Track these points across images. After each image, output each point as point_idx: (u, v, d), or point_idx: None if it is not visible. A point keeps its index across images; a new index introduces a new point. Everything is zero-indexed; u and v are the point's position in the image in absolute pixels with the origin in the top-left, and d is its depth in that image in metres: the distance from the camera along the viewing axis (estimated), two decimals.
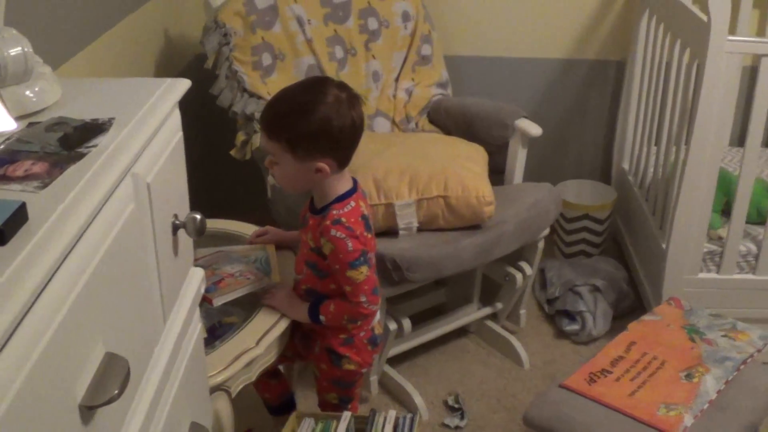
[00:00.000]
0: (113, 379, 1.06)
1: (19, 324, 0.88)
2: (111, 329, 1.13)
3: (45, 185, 1.09)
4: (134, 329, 1.25)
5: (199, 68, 3.33)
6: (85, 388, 1.03)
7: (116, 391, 1.04)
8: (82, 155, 1.19)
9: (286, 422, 2.33)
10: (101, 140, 1.24)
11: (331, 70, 3.35)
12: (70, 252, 1.01)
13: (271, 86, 3.19)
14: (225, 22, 3.16)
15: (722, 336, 2.63)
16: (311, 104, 2.16)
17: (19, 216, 0.98)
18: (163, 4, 3.42)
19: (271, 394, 2.78)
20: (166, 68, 3.42)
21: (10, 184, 1.10)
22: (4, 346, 0.85)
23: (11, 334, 0.86)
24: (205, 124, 3.62)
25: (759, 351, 2.57)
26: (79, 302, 1.01)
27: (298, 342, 2.46)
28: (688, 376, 2.44)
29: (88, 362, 1.05)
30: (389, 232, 2.86)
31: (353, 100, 2.22)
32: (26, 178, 1.12)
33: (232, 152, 3.14)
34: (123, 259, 1.18)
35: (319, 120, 2.14)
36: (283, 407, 2.77)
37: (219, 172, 3.91)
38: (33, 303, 0.91)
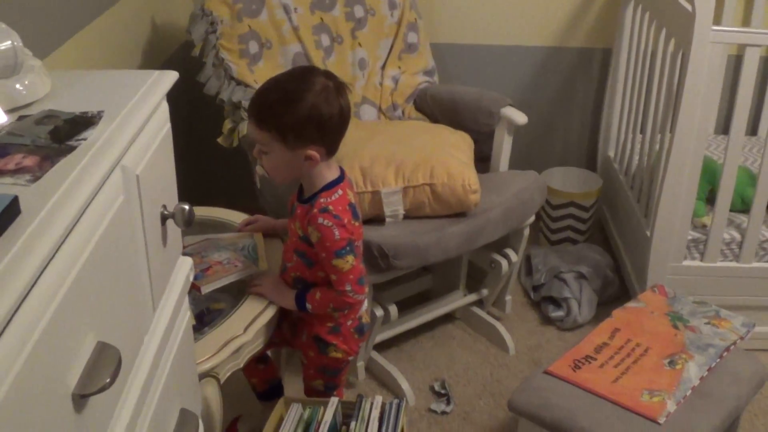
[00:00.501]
0: (105, 368, 1.08)
1: (13, 315, 0.89)
2: (102, 319, 1.15)
3: (36, 178, 1.11)
4: (125, 318, 1.27)
5: (186, 56, 3.33)
6: (78, 377, 1.05)
7: (108, 380, 1.06)
8: (72, 148, 1.20)
9: (273, 408, 2.35)
10: (91, 133, 1.25)
11: (317, 58, 3.36)
12: (62, 244, 1.02)
13: (257, 74, 3.20)
14: (212, 10, 3.17)
15: (705, 323, 2.66)
16: (300, 92, 2.18)
17: (12, 209, 1.00)
18: None
19: (258, 379, 2.80)
20: (153, 56, 3.43)
21: (3, 178, 1.11)
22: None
23: (5, 326, 0.88)
24: (193, 111, 3.63)
25: (741, 338, 2.60)
26: (71, 293, 1.02)
27: (286, 329, 2.48)
28: (672, 363, 2.47)
29: (81, 351, 1.07)
30: (376, 219, 2.87)
31: (341, 88, 2.24)
32: (18, 171, 1.13)
33: (219, 140, 3.15)
34: (113, 250, 1.20)
35: (308, 108, 2.16)
36: (271, 393, 2.79)
37: (206, 160, 3.93)
38: (27, 294, 0.92)
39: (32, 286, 0.94)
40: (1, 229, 0.97)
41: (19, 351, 0.90)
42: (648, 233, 3.24)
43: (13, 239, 0.96)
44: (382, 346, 3.23)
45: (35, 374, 0.93)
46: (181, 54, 3.69)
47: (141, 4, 3.31)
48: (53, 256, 1.00)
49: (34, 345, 0.92)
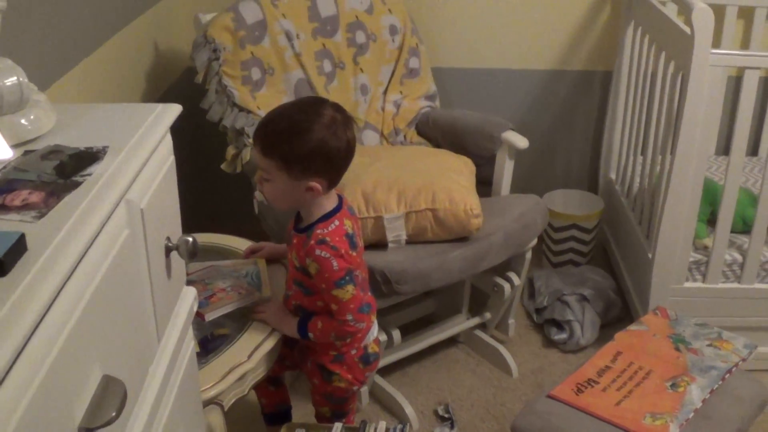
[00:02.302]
0: (111, 401, 1.09)
1: (20, 353, 0.91)
2: (107, 352, 1.17)
3: (42, 215, 1.13)
4: (130, 350, 1.28)
5: (190, 82, 3.35)
6: (84, 411, 1.06)
7: (114, 414, 1.07)
8: (77, 184, 1.22)
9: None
10: (96, 168, 1.27)
11: (319, 84, 3.38)
12: (68, 280, 1.04)
13: (260, 101, 3.22)
14: (214, 38, 3.19)
15: (707, 345, 2.66)
16: (308, 124, 2.18)
17: (19, 247, 1.02)
18: (153, 19, 3.44)
19: (267, 401, 2.79)
20: (156, 82, 3.45)
21: (9, 214, 1.13)
22: (6, 374, 0.88)
23: (13, 363, 0.89)
24: (196, 136, 3.65)
25: (744, 360, 2.61)
26: (77, 328, 1.04)
27: (296, 353, 2.49)
28: (674, 386, 2.47)
29: (86, 385, 1.08)
30: (378, 244, 2.89)
31: (348, 121, 2.25)
32: (24, 207, 1.15)
33: (223, 166, 3.17)
34: (118, 284, 1.22)
35: (315, 140, 2.17)
36: (278, 416, 2.78)
37: (209, 184, 3.94)
38: (33, 332, 0.94)
39: (39, 323, 0.95)
40: (8, 266, 0.98)
41: (27, 388, 0.91)
42: (650, 255, 3.25)
43: (20, 277, 0.97)
44: (385, 371, 3.23)
45: (43, 410, 0.94)
46: (184, 80, 3.72)
47: (144, 31, 3.33)
48: (59, 292, 1.01)
49: (41, 381, 0.93)
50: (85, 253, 1.10)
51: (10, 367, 0.88)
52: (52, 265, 1.01)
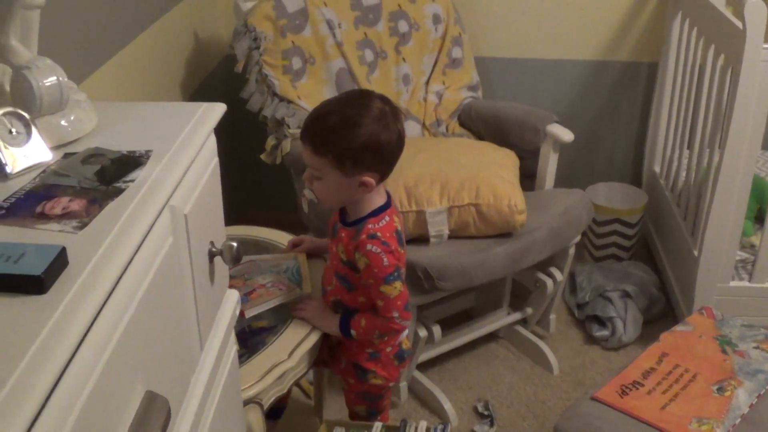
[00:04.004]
0: (154, 419, 1.06)
1: (63, 373, 0.87)
2: (150, 366, 1.13)
3: (84, 225, 1.09)
4: (172, 362, 1.25)
5: (229, 70, 3.33)
6: (126, 430, 1.03)
7: None
8: (120, 191, 1.19)
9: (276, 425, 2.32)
10: (139, 174, 1.24)
11: (361, 74, 3.34)
12: (110, 295, 1.00)
13: (301, 90, 3.19)
14: (255, 26, 3.16)
15: (754, 347, 2.61)
16: (359, 118, 2.14)
17: (60, 261, 0.98)
18: (193, 7, 3.41)
19: None
20: (196, 71, 3.43)
21: (49, 224, 1.10)
22: (48, 398, 0.84)
23: (55, 386, 0.85)
24: (234, 127, 3.62)
25: None
26: (120, 344, 1.00)
27: (325, 350, 2.46)
28: (720, 390, 2.42)
29: (130, 403, 1.05)
30: (419, 239, 2.85)
31: (396, 113, 2.21)
32: (64, 216, 1.12)
33: (262, 156, 3.14)
34: (162, 295, 1.18)
35: (367, 134, 2.13)
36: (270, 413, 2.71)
37: (247, 174, 3.91)
38: (76, 350, 0.90)
39: (81, 341, 0.92)
40: (48, 283, 0.95)
41: (69, 410, 0.87)
42: (695, 252, 3.19)
43: (60, 294, 0.94)
44: (424, 366, 3.20)
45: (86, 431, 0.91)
46: (223, 68, 3.69)
47: (183, 20, 3.31)
48: (101, 308, 0.98)
49: (84, 402, 0.90)
50: (128, 265, 1.07)
51: (51, 392, 0.85)
52: (94, 281, 0.98)
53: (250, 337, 2.24)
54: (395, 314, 2.24)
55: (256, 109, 3.15)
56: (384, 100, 2.21)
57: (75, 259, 1.00)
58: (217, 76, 3.67)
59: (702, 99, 3.33)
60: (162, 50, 3.05)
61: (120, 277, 1.04)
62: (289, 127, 3.05)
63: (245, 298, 2.35)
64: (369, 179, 2.17)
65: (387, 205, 2.28)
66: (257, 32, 3.16)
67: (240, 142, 3.69)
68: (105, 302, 0.99)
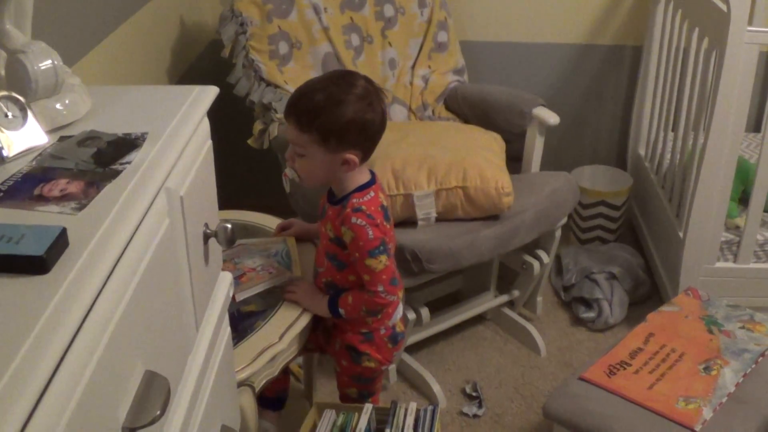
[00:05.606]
0: (155, 399, 1.07)
1: (65, 354, 0.88)
2: (149, 346, 1.14)
3: (82, 206, 1.10)
4: (170, 342, 1.26)
5: (215, 55, 3.33)
6: (127, 410, 1.04)
7: (158, 412, 1.05)
8: (117, 173, 1.19)
9: (280, 415, 2.33)
10: (135, 156, 1.24)
11: (347, 58, 3.34)
12: (110, 275, 1.01)
13: (287, 75, 3.19)
14: (241, 11, 3.16)
15: (740, 327, 2.64)
16: (344, 95, 2.16)
17: (61, 242, 0.99)
18: None
19: (271, 384, 2.75)
20: (182, 56, 3.42)
21: (48, 205, 1.11)
22: (53, 376, 0.85)
23: (59, 364, 0.86)
24: (222, 112, 3.61)
25: None
26: (120, 324, 1.01)
27: (320, 335, 2.47)
28: (707, 369, 2.45)
29: (129, 382, 1.06)
30: (407, 222, 2.86)
31: (379, 93, 2.24)
32: (63, 198, 1.13)
33: (250, 141, 3.15)
34: (159, 275, 1.19)
35: (353, 111, 2.15)
36: (274, 402, 2.71)
37: (235, 160, 3.91)
38: (78, 330, 0.91)
39: (83, 321, 0.93)
40: (50, 263, 0.96)
41: (73, 390, 0.88)
42: (680, 234, 3.21)
43: (62, 274, 0.95)
44: (412, 348, 3.22)
45: (88, 412, 0.91)
46: (209, 53, 3.69)
47: (169, 5, 3.30)
48: (102, 288, 0.99)
49: (86, 382, 0.91)
50: (127, 245, 1.08)
51: (56, 370, 0.86)
52: (95, 261, 0.99)
53: (240, 322, 2.25)
54: (380, 288, 2.25)
55: (243, 93, 3.16)
56: (368, 80, 2.24)
57: (75, 240, 1.01)
58: (204, 60, 3.67)
59: (686, 82, 3.34)
60: (149, 36, 3.05)
61: (119, 258, 1.05)
62: (276, 111, 3.05)
63: (236, 282, 2.36)
64: (352, 157, 2.19)
65: (372, 182, 2.30)
66: (243, 17, 3.16)
67: (227, 127, 3.68)
68: (105, 282, 1.00)
